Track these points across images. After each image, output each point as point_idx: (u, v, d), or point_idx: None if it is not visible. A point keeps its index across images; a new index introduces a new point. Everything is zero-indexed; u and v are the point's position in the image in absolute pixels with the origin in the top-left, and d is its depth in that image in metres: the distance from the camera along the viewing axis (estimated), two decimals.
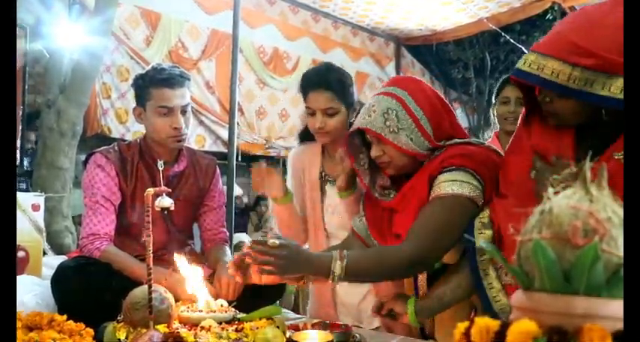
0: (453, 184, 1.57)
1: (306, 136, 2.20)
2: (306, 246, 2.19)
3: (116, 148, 2.14)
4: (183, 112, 2.07)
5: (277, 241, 1.47)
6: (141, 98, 2.08)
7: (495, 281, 1.52)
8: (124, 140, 2.26)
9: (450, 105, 1.76)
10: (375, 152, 1.70)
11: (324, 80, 2.00)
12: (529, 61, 1.32)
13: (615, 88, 1.21)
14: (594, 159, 1.23)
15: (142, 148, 2.13)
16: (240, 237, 5.57)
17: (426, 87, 1.74)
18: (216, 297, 1.82)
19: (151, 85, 2.03)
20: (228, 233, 2.36)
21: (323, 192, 2.16)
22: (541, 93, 1.36)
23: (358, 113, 1.80)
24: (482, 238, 1.52)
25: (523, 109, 1.55)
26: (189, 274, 1.75)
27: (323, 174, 2.17)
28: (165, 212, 2.09)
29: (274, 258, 1.45)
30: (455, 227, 1.55)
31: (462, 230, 1.55)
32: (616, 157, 1.28)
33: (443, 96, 1.79)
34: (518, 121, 1.59)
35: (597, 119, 1.33)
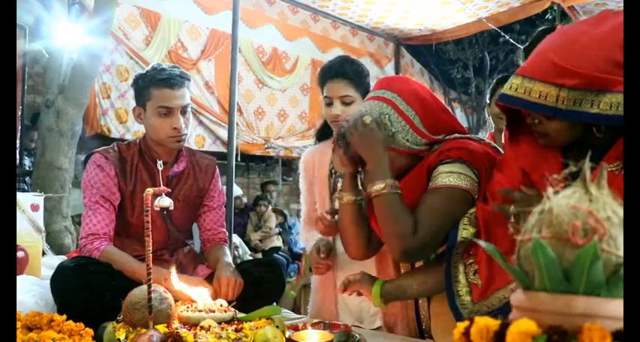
0: (450, 176, 1.58)
1: (322, 135, 2.26)
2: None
3: (116, 148, 2.14)
4: (183, 112, 2.07)
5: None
6: (141, 98, 2.08)
7: (462, 276, 1.53)
8: (124, 140, 2.25)
9: (442, 101, 1.77)
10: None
11: (340, 70, 2.07)
12: (515, 85, 1.32)
13: (604, 104, 1.21)
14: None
15: (141, 148, 2.13)
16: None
17: (416, 85, 1.74)
18: (215, 297, 1.82)
19: (151, 85, 2.03)
20: (227, 233, 2.36)
21: (334, 188, 2.18)
22: (529, 115, 1.36)
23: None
24: (465, 234, 1.54)
25: (505, 130, 1.55)
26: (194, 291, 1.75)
27: (333, 171, 2.19)
28: (165, 212, 2.09)
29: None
30: (451, 218, 1.57)
31: (457, 221, 1.57)
32: (608, 170, 1.28)
33: (441, 95, 1.80)
34: (503, 140, 1.59)
35: (588, 135, 1.33)
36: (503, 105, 1.38)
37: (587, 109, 1.22)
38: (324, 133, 2.25)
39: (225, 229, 2.33)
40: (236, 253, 5.28)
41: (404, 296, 1.73)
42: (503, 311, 1.45)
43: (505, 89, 1.34)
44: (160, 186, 1.94)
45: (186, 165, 2.20)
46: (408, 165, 1.70)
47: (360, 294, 1.79)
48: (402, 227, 1.55)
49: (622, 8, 1.23)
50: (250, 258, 5.59)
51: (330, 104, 2.08)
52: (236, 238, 5.61)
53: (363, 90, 2.07)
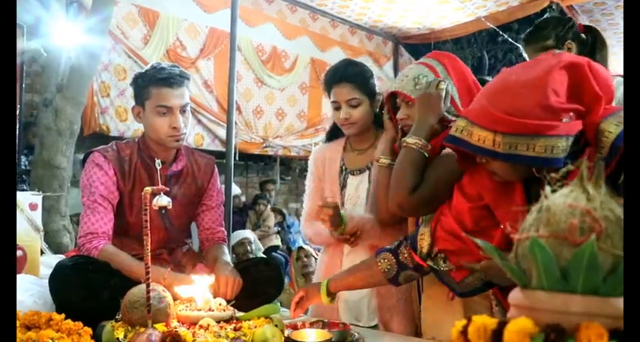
0: None
1: (332, 136, 2.31)
2: None
3: (114, 147, 2.13)
4: (183, 111, 2.06)
5: None
6: (140, 97, 2.08)
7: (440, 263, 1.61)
8: (123, 139, 2.25)
9: (481, 85, 1.85)
10: (400, 115, 1.87)
11: (344, 74, 2.12)
12: (460, 128, 1.36)
13: (539, 147, 1.24)
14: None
15: (140, 147, 2.13)
16: (244, 233, 5.59)
17: (461, 64, 1.90)
18: (214, 296, 1.83)
19: (151, 84, 2.03)
20: (226, 232, 2.36)
21: (344, 185, 2.21)
22: (478, 157, 1.39)
23: (382, 104, 2.04)
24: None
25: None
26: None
27: (343, 167, 2.22)
28: (163, 211, 2.09)
29: None
30: (448, 184, 1.63)
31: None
32: None
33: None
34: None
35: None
36: (451, 146, 1.43)
37: (522, 153, 1.25)
38: (333, 134, 2.30)
39: (223, 229, 2.33)
40: (249, 248, 5.31)
41: (345, 283, 1.80)
42: (486, 287, 1.57)
43: (452, 130, 1.38)
44: (158, 185, 1.95)
45: (185, 164, 2.19)
46: (434, 132, 1.81)
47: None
48: (406, 182, 1.72)
49: (621, 7, 1.24)
50: (262, 255, 5.62)
51: (338, 108, 2.13)
52: (250, 234, 5.64)
53: (369, 91, 2.12)
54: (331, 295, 1.82)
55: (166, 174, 2.14)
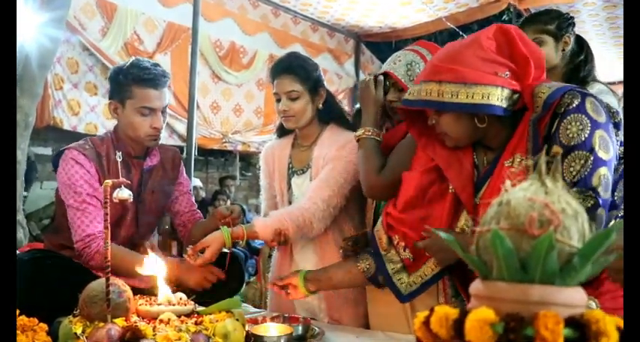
0: None
1: (282, 131, 2.29)
2: None
3: (90, 143, 2.07)
4: (163, 111, 2.07)
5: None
6: (119, 94, 2.03)
7: (394, 254, 1.69)
8: (76, 132, 2.19)
9: None
10: (390, 97, 1.94)
11: (286, 66, 2.12)
12: (411, 91, 1.53)
13: (477, 95, 1.39)
14: (491, 171, 1.47)
15: (114, 143, 2.09)
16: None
17: None
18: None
19: (134, 83, 1.99)
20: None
21: (290, 183, 2.21)
22: (429, 119, 1.54)
23: (328, 97, 2.14)
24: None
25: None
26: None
27: (290, 165, 2.22)
28: (140, 203, 2.09)
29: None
30: (409, 163, 1.71)
31: None
32: (506, 165, 1.45)
33: None
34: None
35: (488, 134, 1.51)
36: (404, 108, 1.60)
37: (463, 100, 1.40)
38: (283, 129, 2.26)
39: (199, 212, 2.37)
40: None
41: (328, 285, 1.85)
42: (434, 280, 1.67)
43: (405, 96, 1.57)
44: (136, 180, 2.01)
45: (159, 158, 2.20)
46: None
47: (283, 288, 1.88)
48: (371, 166, 1.84)
49: (570, 11, 1.32)
50: (238, 250, 5.57)
51: (279, 100, 2.12)
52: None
53: (311, 84, 2.11)
54: (310, 290, 1.84)
55: (143, 168, 2.13)
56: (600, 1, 5.33)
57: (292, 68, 2.10)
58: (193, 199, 2.40)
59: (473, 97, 1.39)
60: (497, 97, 1.38)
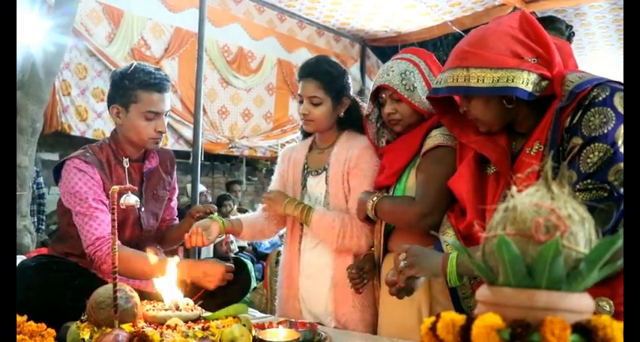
0: (441, 137, 1.78)
1: (306, 132, 2.30)
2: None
3: (90, 151, 2.07)
4: (166, 114, 2.09)
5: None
6: (123, 98, 2.03)
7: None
8: (85, 138, 2.21)
9: None
10: (388, 109, 1.91)
11: (313, 70, 2.12)
12: (439, 80, 1.55)
13: (502, 78, 1.41)
14: (516, 156, 1.48)
15: (113, 149, 2.10)
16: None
17: (437, 62, 1.97)
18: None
19: (140, 88, 2.00)
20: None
21: (305, 184, 2.21)
22: (460, 107, 1.56)
23: (352, 105, 2.13)
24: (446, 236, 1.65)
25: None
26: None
27: (306, 166, 2.23)
28: (143, 209, 2.09)
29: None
30: (445, 178, 1.69)
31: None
32: (527, 152, 1.47)
33: None
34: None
35: (518, 119, 1.52)
36: (432, 97, 1.63)
37: (489, 85, 1.42)
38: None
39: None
40: (232, 246, 5.30)
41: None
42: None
43: (433, 85, 1.59)
44: (129, 184, 1.98)
45: (158, 161, 2.20)
46: (415, 125, 1.91)
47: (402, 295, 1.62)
48: (400, 206, 1.82)
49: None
50: (245, 255, 5.62)
51: (301, 102, 2.13)
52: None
53: (335, 92, 2.10)
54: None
55: (143, 171, 2.14)
56: (607, 3, 5.32)
57: (318, 73, 2.09)
58: (176, 206, 2.41)
59: (498, 81, 1.41)
60: (523, 80, 1.40)
